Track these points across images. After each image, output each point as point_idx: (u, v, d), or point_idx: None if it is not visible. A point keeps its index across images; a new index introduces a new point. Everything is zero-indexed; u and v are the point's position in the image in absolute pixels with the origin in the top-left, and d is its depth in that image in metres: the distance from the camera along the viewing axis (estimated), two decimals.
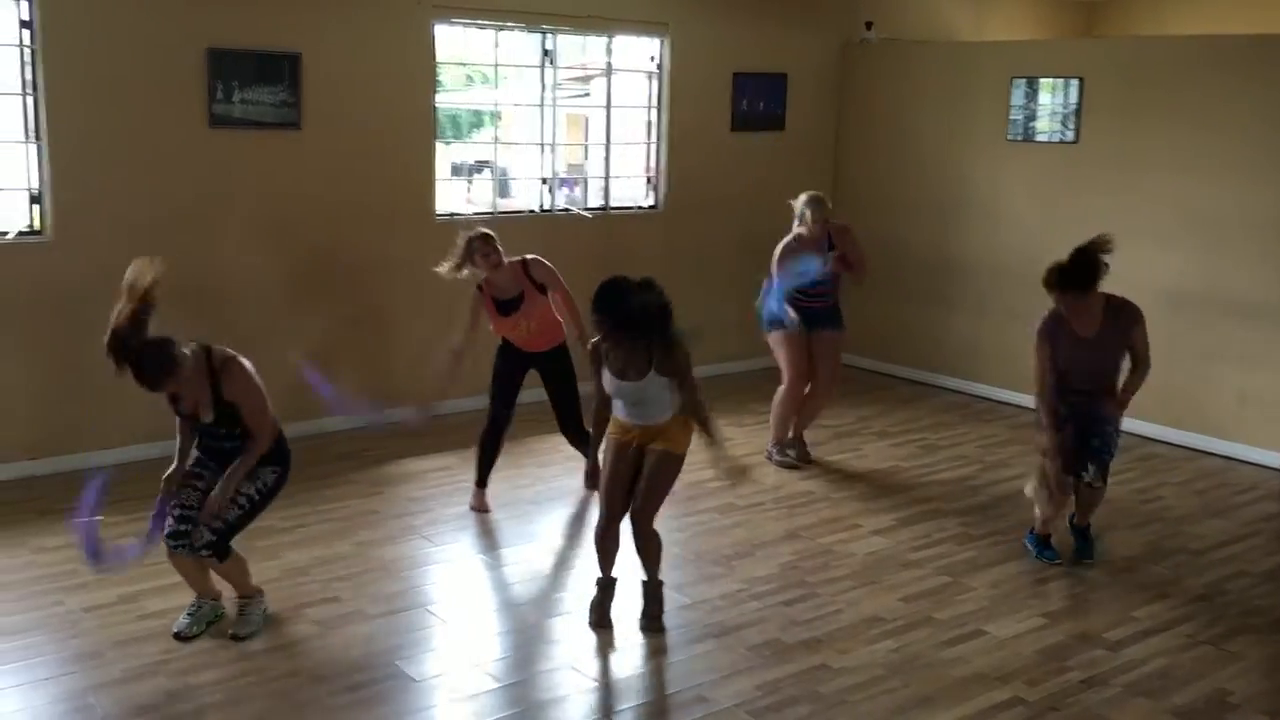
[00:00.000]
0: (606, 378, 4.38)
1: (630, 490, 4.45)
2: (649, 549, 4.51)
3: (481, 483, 5.74)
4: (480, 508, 5.70)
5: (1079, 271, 4.86)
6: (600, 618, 4.53)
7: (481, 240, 5.44)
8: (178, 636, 4.24)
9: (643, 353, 4.28)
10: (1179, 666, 4.32)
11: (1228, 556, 5.40)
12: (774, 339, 6.49)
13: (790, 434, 6.64)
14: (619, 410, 4.47)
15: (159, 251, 6.17)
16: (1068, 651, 4.40)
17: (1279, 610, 4.85)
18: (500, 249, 5.46)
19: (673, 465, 4.47)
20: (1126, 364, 5.14)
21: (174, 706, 3.82)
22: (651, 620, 4.52)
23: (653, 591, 4.57)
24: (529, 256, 5.60)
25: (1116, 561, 5.30)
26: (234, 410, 4.17)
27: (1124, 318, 5.00)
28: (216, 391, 4.15)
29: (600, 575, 4.58)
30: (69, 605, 4.48)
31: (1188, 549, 5.49)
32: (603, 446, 4.56)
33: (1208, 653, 4.44)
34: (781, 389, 6.52)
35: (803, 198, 6.33)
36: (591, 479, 5.36)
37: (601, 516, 4.51)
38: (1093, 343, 4.98)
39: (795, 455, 6.63)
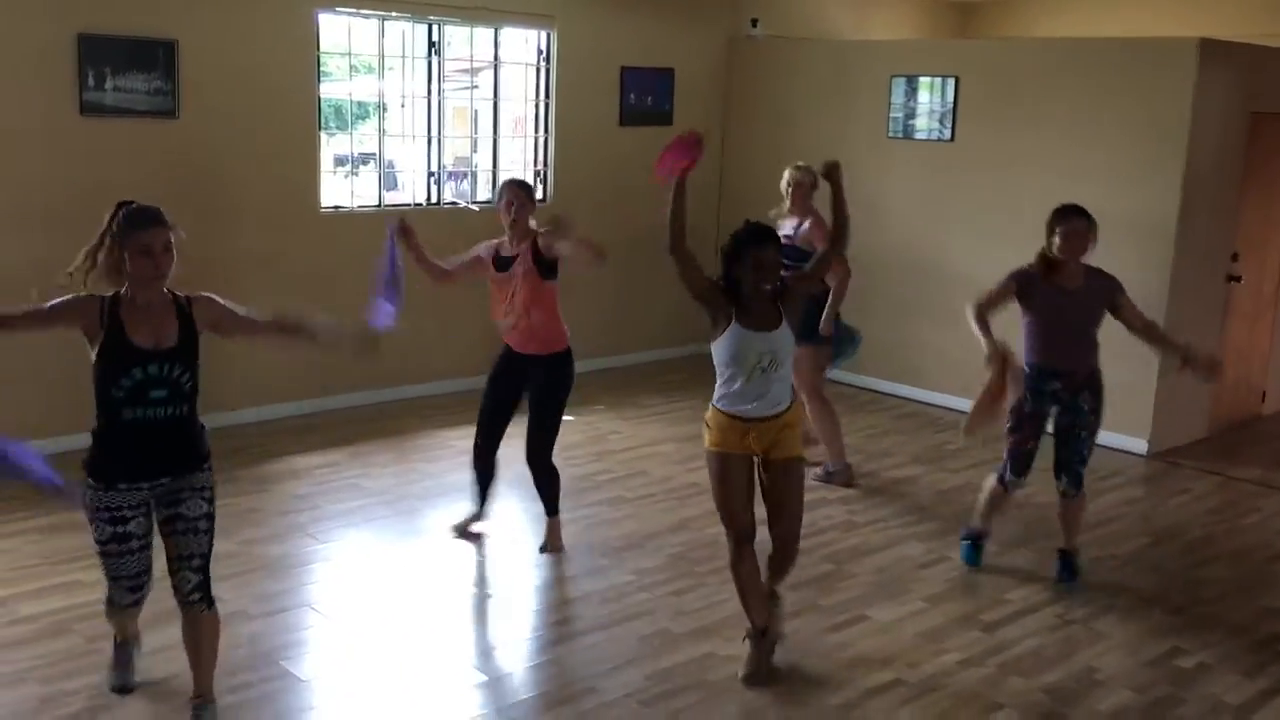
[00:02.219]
0: (728, 340, 3.94)
1: (752, 499, 4.03)
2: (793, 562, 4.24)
3: (477, 513, 5.29)
4: (463, 531, 5.30)
5: (1083, 208, 4.87)
6: (760, 675, 4.08)
7: (516, 187, 4.98)
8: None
9: (771, 301, 3.95)
10: (1050, 646, 4.50)
11: (1093, 540, 5.63)
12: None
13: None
14: (735, 400, 3.99)
15: (27, 244, 6.01)
16: (946, 634, 4.55)
17: (1143, 591, 5.08)
18: (527, 208, 4.93)
19: (803, 473, 4.15)
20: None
21: (47, 714, 3.71)
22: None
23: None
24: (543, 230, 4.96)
25: (991, 546, 5.48)
26: (196, 347, 3.51)
27: (1104, 279, 4.93)
28: (186, 323, 3.49)
29: (754, 626, 4.12)
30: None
31: (1057, 532, 5.69)
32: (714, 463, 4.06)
33: (1076, 632, 4.63)
34: (817, 405, 6.18)
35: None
36: (554, 541, 5.07)
37: (734, 545, 4.05)
38: (1076, 295, 4.86)
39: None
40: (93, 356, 3.41)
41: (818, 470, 6.18)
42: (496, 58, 7.85)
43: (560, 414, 5.09)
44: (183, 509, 3.51)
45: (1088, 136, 7.10)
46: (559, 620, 4.54)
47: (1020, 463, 5.03)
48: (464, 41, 7.79)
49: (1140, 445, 7.04)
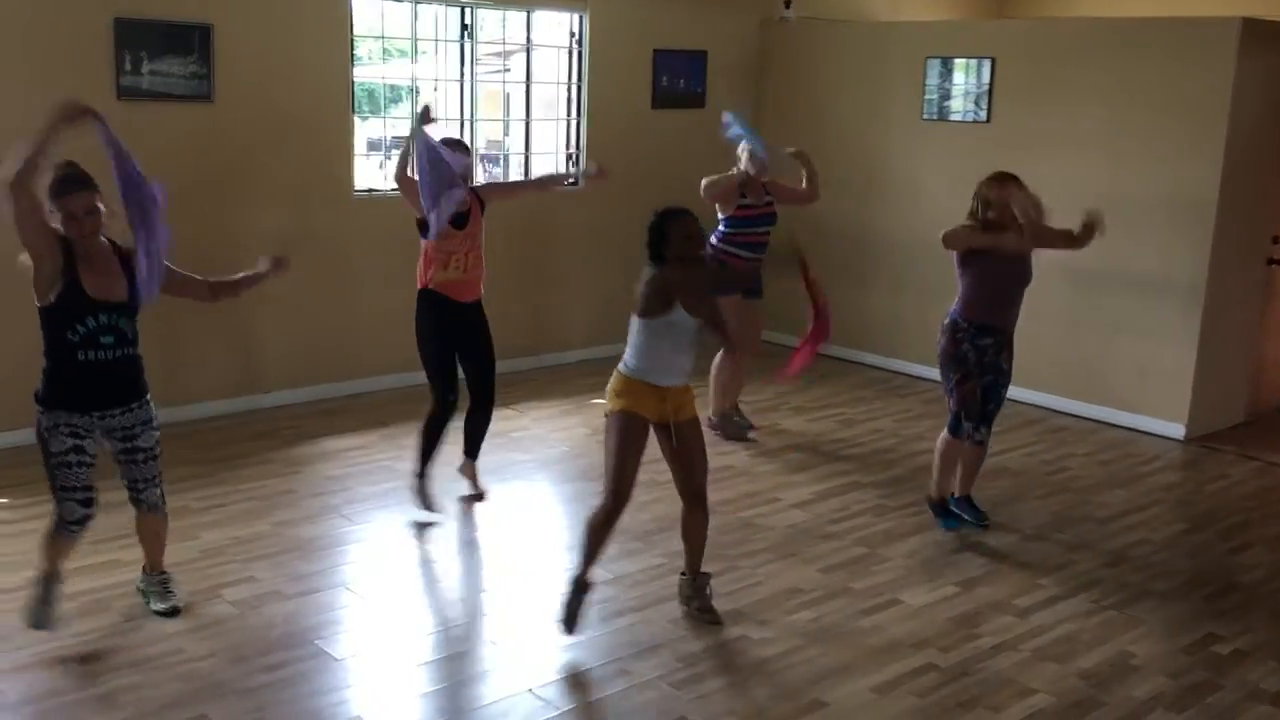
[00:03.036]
0: (663, 323, 4.09)
1: (638, 470, 4.18)
2: (704, 528, 4.40)
3: (422, 474, 5.31)
4: (430, 506, 5.30)
5: (1006, 173, 5.12)
6: (573, 623, 4.20)
7: (459, 147, 5.17)
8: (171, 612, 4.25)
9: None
10: (1084, 631, 4.47)
11: (1131, 525, 5.59)
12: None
13: (728, 404, 6.72)
14: (658, 371, 4.15)
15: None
16: (979, 618, 4.53)
17: (1179, 576, 5.03)
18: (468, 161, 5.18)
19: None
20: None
21: (87, 690, 3.76)
22: (712, 612, 4.41)
23: (706, 582, 4.44)
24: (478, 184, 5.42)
25: (1025, 531, 5.45)
26: (140, 300, 3.92)
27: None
28: (129, 272, 3.89)
29: (581, 573, 4.21)
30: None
31: (1093, 518, 5.67)
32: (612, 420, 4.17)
33: (1112, 618, 4.59)
34: (721, 359, 6.46)
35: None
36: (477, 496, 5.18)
37: (608, 505, 4.15)
38: (1017, 259, 5.13)
39: (741, 424, 6.71)
40: (46, 300, 3.81)
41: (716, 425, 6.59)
42: (529, 41, 7.84)
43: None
44: (138, 442, 4.04)
45: (1127, 117, 7.01)
46: (591, 602, 4.54)
47: (974, 408, 5.19)
48: (497, 25, 7.79)
49: (1178, 430, 6.97)
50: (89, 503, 4.00)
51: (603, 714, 3.77)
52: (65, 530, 4.01)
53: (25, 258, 3.79)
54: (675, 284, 4.08)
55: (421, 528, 5.28)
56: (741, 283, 6.00)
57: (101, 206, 3.86)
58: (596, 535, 4.20)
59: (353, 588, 4.63)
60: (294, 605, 4.43)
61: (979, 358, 5.15)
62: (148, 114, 6.18)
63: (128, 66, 6.07)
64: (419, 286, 5.26)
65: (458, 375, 5.34)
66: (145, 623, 4.22)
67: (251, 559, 4.82)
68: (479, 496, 5.56)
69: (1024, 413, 7.39)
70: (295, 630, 4.22)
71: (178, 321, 6.48)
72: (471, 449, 5.56)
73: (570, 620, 4.21)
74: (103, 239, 3.89)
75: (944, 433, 5.33)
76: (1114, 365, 7.22)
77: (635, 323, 4.18)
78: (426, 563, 4.96)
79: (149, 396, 4.08)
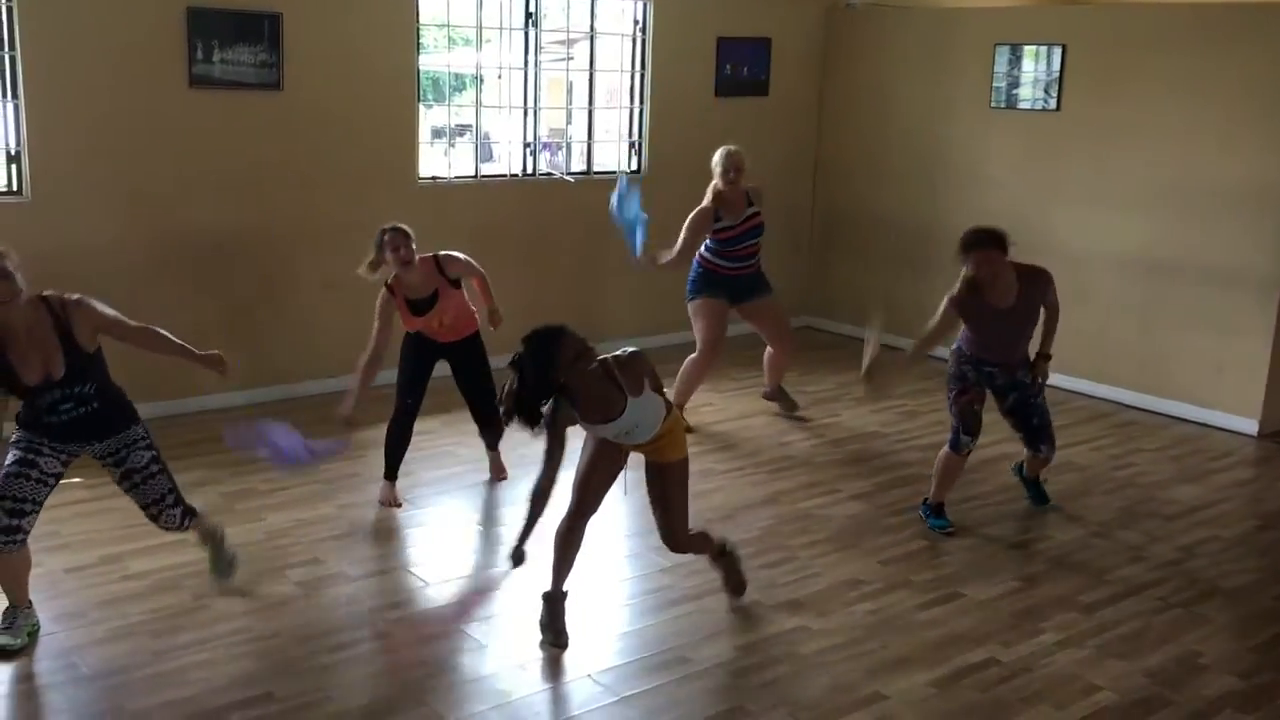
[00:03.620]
0: (580, 433, 3.90)
1: (609, 486, 4.09)
2: (698, 550, 4.35)
3: (391, 475, 5.34)
4: (390, 502, 5.30)
5: (989, 232, 4.92)
6: (557, 636, 4.06)
7: (394, 233, 5.07)
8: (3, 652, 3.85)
9: (608, 382, 3.80)
10: (1151, 629, 4.39)
11: (1200, 521, 5.48)
12: (692, 308, 6.44)
13: (769, 389, 6.84)
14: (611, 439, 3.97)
15: (137, 212, 6.20)
16: (1042, 614, 4.47)
17: (1249, 574, 4.93)
18: (413, 247, 5.09)
19: (686, 471, 4.13)
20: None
21: (157, 666, 3.85)
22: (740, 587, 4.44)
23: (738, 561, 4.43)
24: (441, 253, 5.25)
25: (1091, 526, 5.37)
26: (86, 359, 3.80)
27: (1039, 282, 5.03)
28: (67, 339, 3.75)
29: (550, 588, 4.08)
30: (49, 566, 4.47)
31: (1161, 514, 5.57)
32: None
33: (1179, 615, 4.51)
34: (693, 357, 6.48)
35: (720, 151, 6.26)
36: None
37: (570, 513, 4.05)
38: (1010, 313, 5.00)
39: (784, 406, 6.80)
40: None
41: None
42: (593, 29, 7.85)
43: (490, 371, 5.42)
44: (129, 464, 3.97)
45: (1200, 104, 6.85)
46: (650, 590, 4.57)
47: (971, 422, 5.13)
48: (561, 13, 7.80)
49: (1251, 426, 6.81)
50: (17, 514, 3.80)
51: (660, 701, 3.78)
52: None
53: None
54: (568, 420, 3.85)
55: (483, 514, 5.33)
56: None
57: (12, 271, 3.67)
58: (556, 546, 4.10)
59: (415, 570, 4.68)
60: (357, 587, 4.49)
61: (978, 378, 5.12)
62: (218, 102, 6.29)
63: (199, 55, 6.18)
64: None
65: (423, 388, 5.35)
66: (214, 602, 4.31)
67: (316, 541, 4.90)
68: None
69: (1092, 406, 7.27)
70: (358, 611, 4.29)
71: (251, 310, 6.61)
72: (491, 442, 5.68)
73: (558, 633, 4.08)
74: (38, 303, 3.74)
75: (945, 448, 5.23)
76: (1186, 359, 7.07)
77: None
78: (487, 547, 5.01)
79: (133, 424, 3.98)
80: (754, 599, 4.49)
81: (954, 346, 5.21)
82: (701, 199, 6.38)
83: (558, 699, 3.80)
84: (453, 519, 5.28)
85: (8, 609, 3.95)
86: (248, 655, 3.94)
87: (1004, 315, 5.00)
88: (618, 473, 4.11)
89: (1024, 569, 4.88)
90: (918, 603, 4.53)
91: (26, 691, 3.70)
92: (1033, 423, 5.21)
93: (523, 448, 6.09)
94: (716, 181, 6.24)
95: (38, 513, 3.90)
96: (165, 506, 4.06)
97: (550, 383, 3.69)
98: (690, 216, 6.27)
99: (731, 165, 6.18)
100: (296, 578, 4.53)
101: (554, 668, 3.99)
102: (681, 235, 6.25)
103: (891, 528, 5.27)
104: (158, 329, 4.05)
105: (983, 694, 3.88)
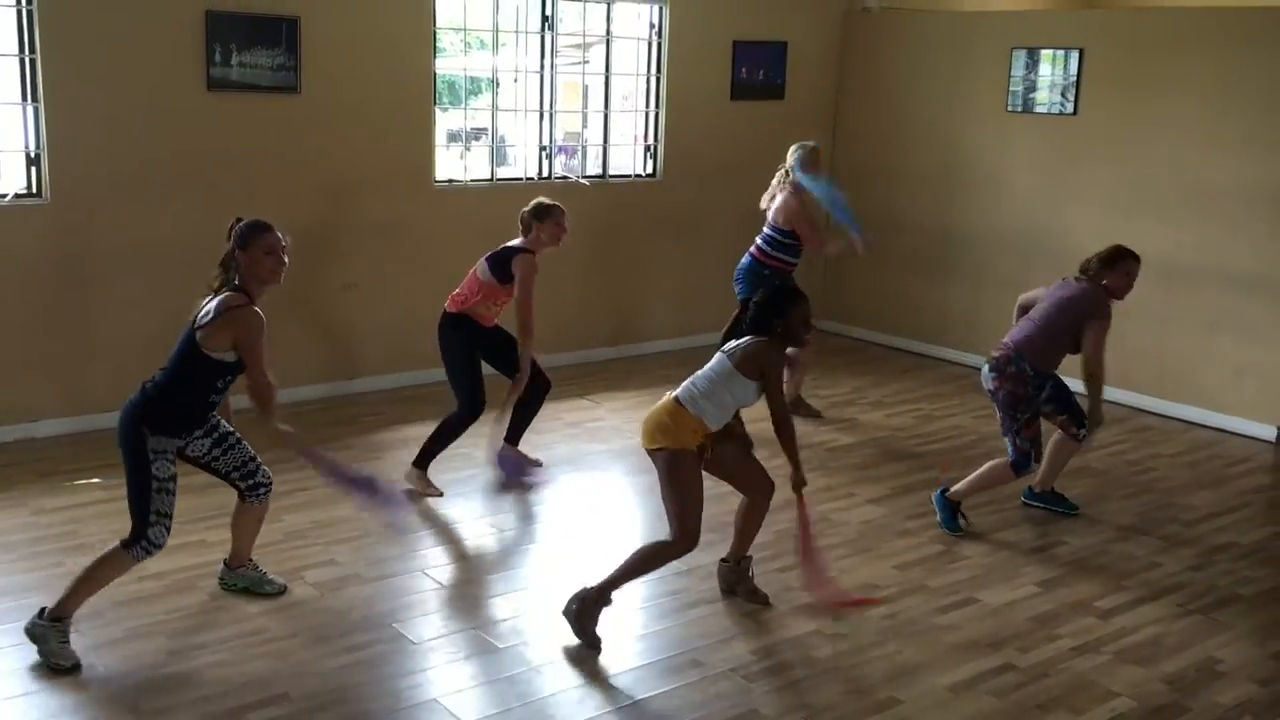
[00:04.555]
0: (752, 387, 4.14)
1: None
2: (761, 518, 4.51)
3: (422, 464, 5.54)
4: (427, 490, 5.49)
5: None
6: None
7: (563, 213, 5.48)
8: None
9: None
10: (1169, 635, 4.37)
11: (1219, 527, 5.45)
12: None
13: (789, 395, 6.78)
14: (726, 417, 4.19)
15: (155, 214, 6.23)
16: (1059, 619, 4.45)
17: (1268, 580, 4.90)
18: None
19: (664, 464, 4.22)
20: None
21: (174, 666, 3.86)
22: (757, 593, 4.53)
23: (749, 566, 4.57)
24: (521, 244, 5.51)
25: (1108, 531, 5.34)
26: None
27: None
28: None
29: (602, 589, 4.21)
30: (69, 566, 4.49)
31: (1179, 520, 5.54)
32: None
33: (1198, 622, 4.48)
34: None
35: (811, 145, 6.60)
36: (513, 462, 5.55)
37: (680, 540, 4.12)
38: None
39: (805, 413, 6.81)
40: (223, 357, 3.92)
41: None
42: (609, 32, 7.85)
43: None
44: (220, 431, 4.13)
45: (1223, 110, 6.82)
46: (665, 593, 4.56)
47: (1041, 449, 5.24)
48: (577, 16, 7.81)
49: (1270, 432, 6.77)
50: (169, 530, 3.97)
51: (675, 704, 3.77)
52: (143, 553, 3.91)
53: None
54: (775, 362, 4.16)
55: (498, 515, 5.34)
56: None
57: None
58: (647, 564, 4.19)
59: (430, 573, 4.69)
60: (373, 589, 4.50)
61: (1038, 396, 5.23)
62: (236, 105, 6.32)
63: (217, 58, 6.21)
64: (450, 311, 5.48)
65: (482, 384, 5.49)
66: (230, 602, 4.32)
67: (333, 542, 4.91)
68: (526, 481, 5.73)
69: (1108, 411, 7.20)
70: (374, 613, 4.29)
71: (270, 311, 6.61)
72: (515, 435, 5.75)
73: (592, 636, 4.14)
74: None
75: (1006, 463, 5.20)
76: (1205, 364, 7.03)
77: (725, 368, 4.13)
78: (502, 550, 5.01)
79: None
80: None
81: (1013, 367, 5.16)
82: (717, 202, 6.43)
83: (574, 701, 3.79)
84: (469, 521, 5.28)
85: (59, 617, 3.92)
86: (264, 656, 3.95)
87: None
88: (701, 489, 4.16)
89: (1041, 574, 4.86)
90: (934, 607, 4.51)
91: (43, 691, 3.72)
92: (1072, 401, 5.30)
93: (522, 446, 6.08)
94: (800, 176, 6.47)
95: None
96: (259, 463, 4.22)
97: (766, 327, 4.15)
98: (806, 208, 6.52)
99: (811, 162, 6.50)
100: (313, 579, 4.55)
101: (570, 670, 3.98)
102: (810, 225, 6.52)
103: (907, 532, 5.25)
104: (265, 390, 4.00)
105: (999, 699, 3.86)
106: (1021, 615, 4.47)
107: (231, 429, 4.20)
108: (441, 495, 5.47)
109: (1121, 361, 7.36)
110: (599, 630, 4.12)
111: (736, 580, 4.52)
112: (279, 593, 4.38)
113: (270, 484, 4.27)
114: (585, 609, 4.12)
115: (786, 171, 6.56)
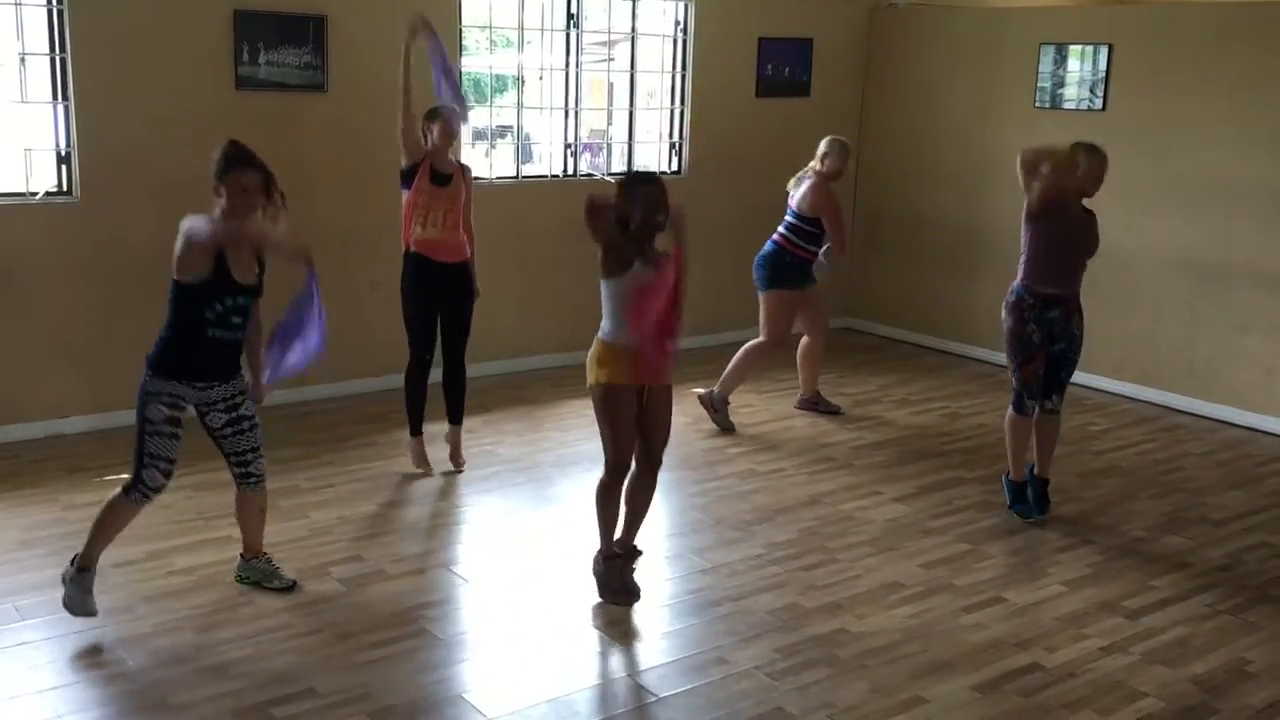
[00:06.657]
0: (629, 281, 4.15)
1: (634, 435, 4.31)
2: (650, 497, 4.48)
3: (417, 431, 5.64)
4: (423, 461, 5.63)
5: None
6: (628, 591, 4.42)
7: (453, 112, 5.46)
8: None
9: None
10: (1198, 635, 4.33)
11: (1248, 527, 5.39)
12: (773, 297, 6.56)
13: (807, 392, 6.93)
14: (625, 333, 4.20)
15: (184, 212, 6.25)
16: (1087, 619, 4.42)
17: None
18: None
19: (596, 398, 4.34)
20: None
21: (202, 660, 3.89)
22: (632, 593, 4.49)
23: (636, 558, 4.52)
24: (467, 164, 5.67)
25: (1137, 530, 5.30)
26: (262, 285, 4.20)
27: (1094, 220, 5.27)
28: (259, 255, 4.16)
29: (607, 545, 4.43)
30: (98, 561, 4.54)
31: (1208, 519, 5.49)
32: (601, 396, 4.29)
33: (1227, 622, 4.44)
34: (756, 344, 6.58)
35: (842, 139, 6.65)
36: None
37: (613, 468, 4.33)
38: (1078, 225, 5.20)
39: (823, 408, 6.86)
40: (196, 278, 3.97)
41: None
42: (634, 30, 7.85)
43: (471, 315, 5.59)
44: (241, 410, 4.17)
45: (1252, 104, 6.75)
46: (690, 590, 4.56)
47: (1035, 387, 5.22)
48: (602, 14, 7.81)
49: None
50: (169, 474, 4.09)
51: (699, 702, 3.77)
52: (140, 496, 4.05)
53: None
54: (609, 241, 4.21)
55: (524, 510, 5.35)
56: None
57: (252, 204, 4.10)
58: (600, 507, 4.41)
59: (456, 569, 4.71)
60: (399, 585, 4.52)
61: (1049, 330, 5.17)
62: (264, 104, 6.35)
63: (245, 57, 6.24)
64: (403, 248, 5.52)
65: (435, 335, 5.55)
66: (257, 597, 4.35)
67: (358, 538, 4.93)
68: (458, 469, 5.74)
69: (1137, 410, 7.18)
70: (400, 609, 4.31)
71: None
72: (454, 414, 5.72)
73: (625, 590, 4.38)
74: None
75: (1009, 411, 5.32)
76: (1235, 363, 6.96)
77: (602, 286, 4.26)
78: (528, 546, 5.02)
79: (241, 373, 4.25)
80: (793, 600, 4.47)
81: (1013, 295, 5.22)
82: (742, 199, 6.43)
83: (598, 698, 3.80)
84: (493, 518, 5.30)
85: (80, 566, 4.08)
86: (290, 651, 3.98)
87: (1073, 225, 5.15)
88: (633, 423, 4.28)
89: (1068, 573, 4.83)
90: (960, 606, 4.49)
91: (74, 684, 3.75)
92: (1061, 375, 5.27)
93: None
94: (828, 168, 6.53)
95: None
96: (258, 455, 4.26)
97: (649, 226, 4.14)
98: (835, 198, 6.56)
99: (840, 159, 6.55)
100: (339, 575, 4.57)
101: (594, 667, 3.99)
102: (836, 219, 6.53)
103: (933, 531, 5.23)
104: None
105: (1026, 699, 3.84)
106: (1048, 615, 4.44)
107: (252, 414, 4.22)
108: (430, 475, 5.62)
109: (1150, 359, 7.32)
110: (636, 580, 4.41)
111: (611, 574, 4.47)
112: (286, 588, 4.38)
113: (261, 477, 4.28)
114: (609, 569, 4.40)
115: (820, 160, 6.56)
